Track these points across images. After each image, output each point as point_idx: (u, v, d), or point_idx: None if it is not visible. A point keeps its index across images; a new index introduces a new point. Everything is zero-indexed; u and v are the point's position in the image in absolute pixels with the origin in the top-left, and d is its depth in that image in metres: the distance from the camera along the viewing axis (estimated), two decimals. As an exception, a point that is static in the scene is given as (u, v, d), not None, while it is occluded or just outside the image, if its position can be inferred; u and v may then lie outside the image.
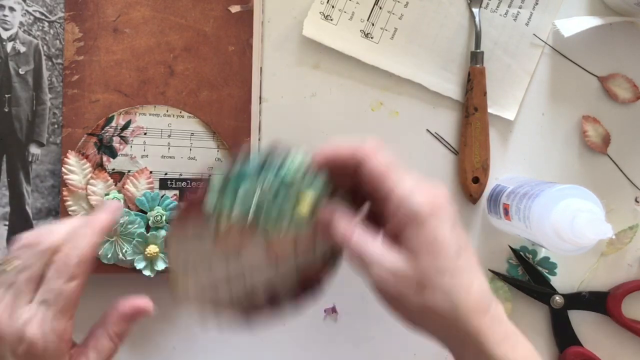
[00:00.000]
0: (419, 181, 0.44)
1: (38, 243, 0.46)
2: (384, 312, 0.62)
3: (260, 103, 0.61)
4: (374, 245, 0.44)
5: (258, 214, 0.44)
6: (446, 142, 0.62)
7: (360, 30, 0.61)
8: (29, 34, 0.57)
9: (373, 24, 0.61)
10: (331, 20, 0.61)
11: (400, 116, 0.62)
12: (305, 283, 0.48)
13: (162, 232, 0.58)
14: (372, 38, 0.60)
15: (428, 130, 0.63)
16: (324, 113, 0.62)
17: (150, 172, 0.59)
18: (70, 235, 0.47)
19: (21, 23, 0.57)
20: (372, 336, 0.63)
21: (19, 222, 0.58)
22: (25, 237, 0.47)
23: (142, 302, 0.50)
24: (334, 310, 0.62)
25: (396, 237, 0.44)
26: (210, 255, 0.46)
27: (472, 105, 0.61)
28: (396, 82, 0.62)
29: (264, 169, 0.44)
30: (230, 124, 0.60)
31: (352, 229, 0.44)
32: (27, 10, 0.57)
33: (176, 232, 0.47)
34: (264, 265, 0.47)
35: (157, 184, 0.59)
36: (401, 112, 0.62)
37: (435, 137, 0.62)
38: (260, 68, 0.61)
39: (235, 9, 0.59)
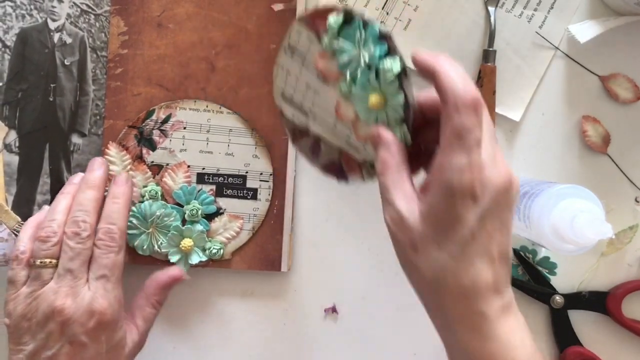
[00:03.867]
0: (470, 151, 0.39)
1: (77, 233, 0.52)
2: (384, 312, 0.63)
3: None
4: (401, 185, 0.42)
5: (347, 69, 0.45)
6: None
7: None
8: (76, 26, 0.58)
9: (387, 13, 0.61)
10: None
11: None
12: (343, 161, 0.49)
13: (198, 226, 0.59)
14: None
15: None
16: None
17: (188, 166, 0.60)
18: (106, 214, 0.53)
19: (68, 15, 0.58)
20: (372, 335, 0.63)
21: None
22: (46, 232, 0.52)
23: (175, 271, 0.57)
24: (334, 310, 0.62)
25: (426, 189, 0.41)
26: (300, 73, 0.49)
27: (480, 103, 0.61)
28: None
29: (368, 40, 0.43)
30: (269, 121, 0.60)
31: (393, 161, 0.43)
32: (74, 3, 0.58)
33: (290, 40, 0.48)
34: (329, 113, 0.48)
35: (194, 178, 0.60)
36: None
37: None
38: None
39: (278, 7, 0.59)
